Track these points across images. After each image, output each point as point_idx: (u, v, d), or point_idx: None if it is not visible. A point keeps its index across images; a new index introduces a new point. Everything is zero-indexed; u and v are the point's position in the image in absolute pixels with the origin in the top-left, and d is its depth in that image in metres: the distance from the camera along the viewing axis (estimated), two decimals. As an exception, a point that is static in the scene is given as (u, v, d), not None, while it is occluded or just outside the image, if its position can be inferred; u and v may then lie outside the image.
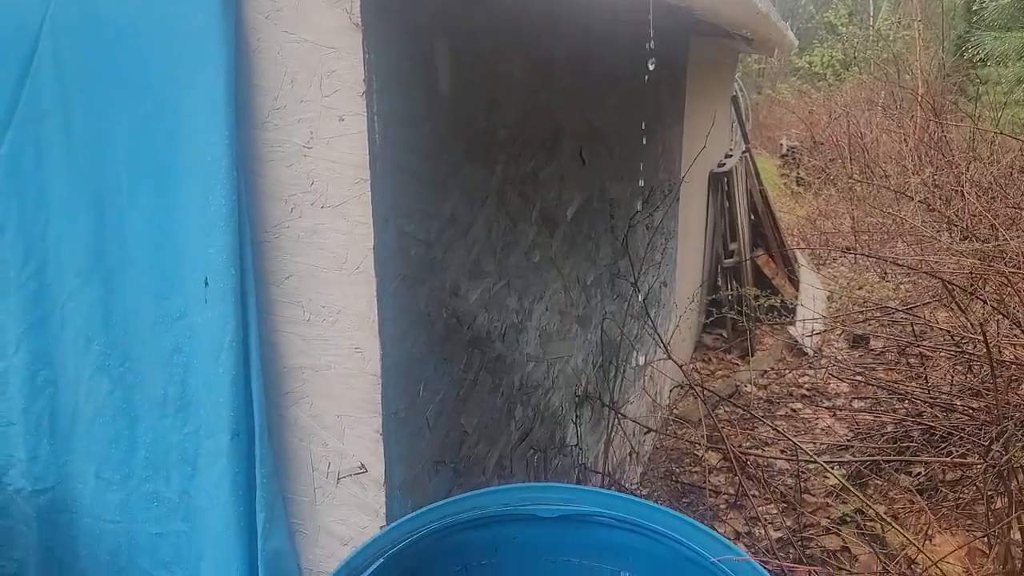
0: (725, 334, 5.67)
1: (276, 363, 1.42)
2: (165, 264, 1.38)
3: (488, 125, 1.74)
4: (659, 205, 3.49)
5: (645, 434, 3.66)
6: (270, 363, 1.42)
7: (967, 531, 3.04)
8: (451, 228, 1.59)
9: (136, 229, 1.39)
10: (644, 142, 3.18)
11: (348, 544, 1.47)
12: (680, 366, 3.37)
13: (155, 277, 1.40)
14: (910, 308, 4.77)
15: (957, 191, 6.03)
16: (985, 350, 2.89)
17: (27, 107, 1.41)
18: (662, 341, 3.27)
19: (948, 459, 3.22)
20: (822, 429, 4.30)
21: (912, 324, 4.38)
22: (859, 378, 4.76)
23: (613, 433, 3.03)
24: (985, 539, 2.88)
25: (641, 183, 3.15)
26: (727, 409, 4.39)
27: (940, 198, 6.33)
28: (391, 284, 1.37)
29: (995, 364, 2.90)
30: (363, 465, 1.42)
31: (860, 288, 5.85)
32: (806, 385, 4.95)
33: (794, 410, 4.59)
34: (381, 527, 1.43)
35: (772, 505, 3.33)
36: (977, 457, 3.06)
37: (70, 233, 1.44)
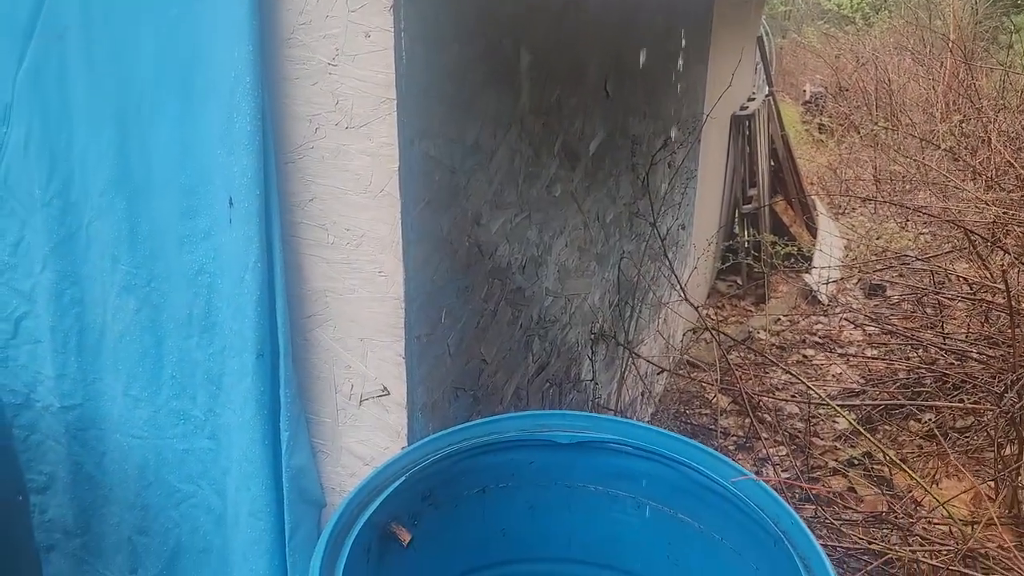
0: (740, 281, 5.64)
1: (300, 286, 1.43)
2: (190, 183, 1.38)
3: (514, 50, 1.70)
4: (681, 145, 3.44)
5: (658, 374, 3.68)
6: (294, 286, 1.42)
7: (975, 476, 3.07)
8: (475, 155, 1.57)
9: (160, 146, 1.38)
10: (668, 79, 3.10)
11: (369, 464, 1.50)
12: (696, 308, 3.37)
13: (180, 196, 1.40)
14: (929, 257, 4.72)
15: (984, 140, 5.90)
16: (1005, 298, 2.86)
17: (48, 20, 1.39)
18: (679, 283, 3.27)
19: (960, 405, 3.24)
20: (833, 376, 4.32)
21: (932, 272, 4.35)
22: (873, 325, 4.75)
23: (626, 372, 3.05)
24: (992, 484, 2.91)
25: (664, 121, 3.10)
26: (739, 354, 4.40)
27: (966, 147, 6.19)
28: (415, 208, 1.36)
29: (1015, 312, 2.88)
30: (385, 388, 1.44)
31: (879, 238, 5.78)
32: (819, 333, 4.95)
33: (806, 356, 4.60)
34: (402, 448, 1.46)
35: (781, 447, 3.36)
36: (989, 404, 3.07)
37: (94, 150, 1.43)
